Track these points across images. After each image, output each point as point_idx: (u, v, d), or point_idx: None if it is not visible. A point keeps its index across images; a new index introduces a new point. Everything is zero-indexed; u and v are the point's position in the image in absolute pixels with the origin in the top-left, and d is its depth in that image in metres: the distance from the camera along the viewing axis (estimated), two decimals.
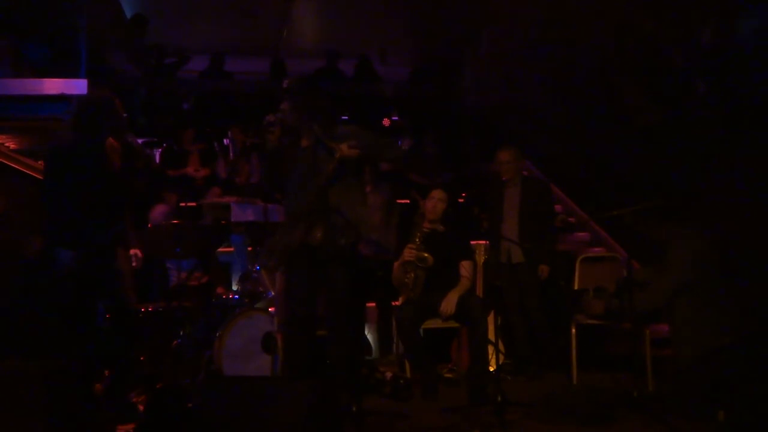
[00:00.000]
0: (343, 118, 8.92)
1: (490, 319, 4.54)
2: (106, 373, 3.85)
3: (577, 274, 5.16)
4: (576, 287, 5.10)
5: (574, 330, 4.78)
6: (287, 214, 3.82)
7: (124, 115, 3.80)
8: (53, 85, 5.00)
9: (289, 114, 3.72)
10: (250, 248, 5.43)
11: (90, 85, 4.87)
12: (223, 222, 5.42)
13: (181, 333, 4.52)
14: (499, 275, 5.07)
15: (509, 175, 5.23)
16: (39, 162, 4.62)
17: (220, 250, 5.94)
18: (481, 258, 4.97)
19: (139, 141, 7.88)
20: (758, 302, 4.10)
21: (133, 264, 4.29)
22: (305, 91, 3.78)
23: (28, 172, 4.67)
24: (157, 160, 7.93)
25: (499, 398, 3.68)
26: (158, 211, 5.67)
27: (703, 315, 3.88)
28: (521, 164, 5.49)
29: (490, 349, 4.38)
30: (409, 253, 4.53)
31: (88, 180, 3.64)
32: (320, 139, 3.67)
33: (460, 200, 7.22)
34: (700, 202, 4.96)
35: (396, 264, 4.66)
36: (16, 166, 4.65)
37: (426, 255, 4.53)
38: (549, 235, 5.23)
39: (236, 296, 4.95)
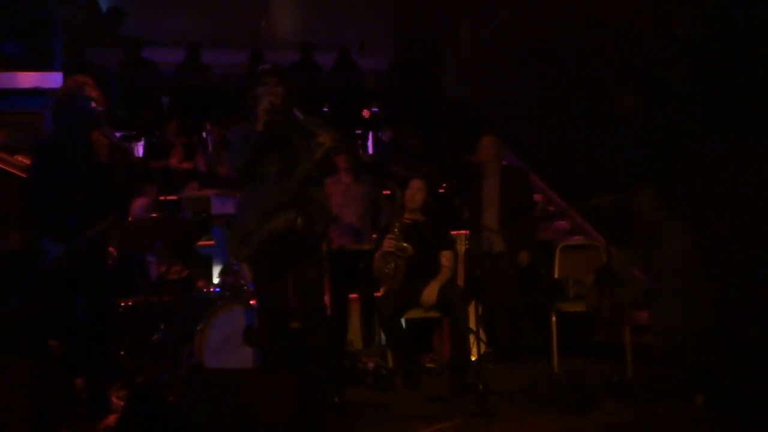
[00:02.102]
0: (324, 110, 8.92)
1: (472, 308, 4.56)
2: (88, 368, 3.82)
3: (557, 262, 5.20)
4: (556, 276, 5.14)
5: (554, 318, 4.82)
6: (259, 201, 3.59)
7: (101, 109, 3.74)
8: (28, 79, 4.95)
9: (282, 97, 3.58)
10: None
11: (65, 78, 4.82)
12: (203, 215, 5.39)
13: (162, 327, 4.50)
14: (479, 264, 5.08)
15: (490, 158, 5.24)
16: (15, 156, 4.57)
17: (201, 243, 5.91)
18: (461, 247, 4.98)
19: (118, 135, 7.83)
20: (736, 289, 4.14)
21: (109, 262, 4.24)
22: (290, 76, 3.72)
23: (2, 166, 4.61)
24: (138, 154, 7.87)
25: (481, 387, 3.69)
26: (138, 204, 5.63)
27: (682, 302, 3.92)
28: (501, 153, 5.50)
29: (472, 338, 4.40)
30: (388, 244, 4.54)
31: (75, 173, 3.60)
32: (304, 125, 3.59)
33: (441, 190, 7.23)
34: (684, 191, 5.00)
35: (377, 255, 4.67)
36: None
37: (405, 245, 4.53)
38: (529, 224, 5.26)
39: (217, 289, 4.93)
